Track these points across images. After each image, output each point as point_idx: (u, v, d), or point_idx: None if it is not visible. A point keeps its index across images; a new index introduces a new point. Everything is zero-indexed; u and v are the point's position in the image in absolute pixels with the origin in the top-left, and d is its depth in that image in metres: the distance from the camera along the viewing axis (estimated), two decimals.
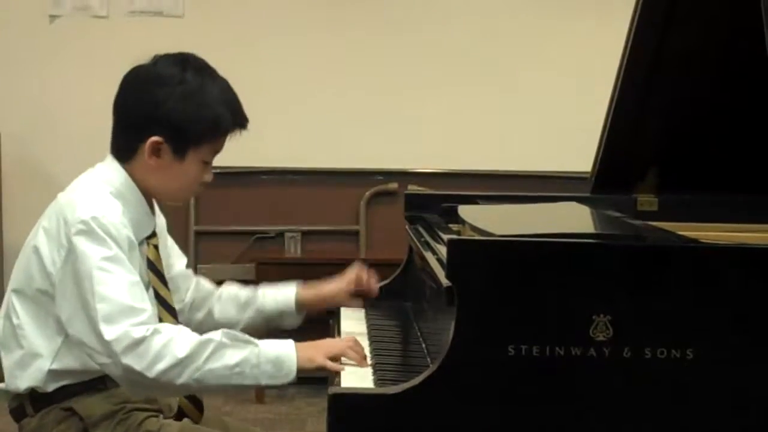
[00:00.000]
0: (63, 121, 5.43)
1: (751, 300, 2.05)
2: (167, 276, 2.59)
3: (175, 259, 2.72)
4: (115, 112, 2.49)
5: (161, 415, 2.51)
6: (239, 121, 2.49)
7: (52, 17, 5.60)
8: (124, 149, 2.46)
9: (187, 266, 2.80)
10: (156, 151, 2.43)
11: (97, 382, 2.45)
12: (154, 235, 2.53)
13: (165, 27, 5.41)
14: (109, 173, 2.46)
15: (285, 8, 5.70)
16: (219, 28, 5.62)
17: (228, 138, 2.50)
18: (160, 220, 2.64)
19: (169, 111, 2.41)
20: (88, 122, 4.74)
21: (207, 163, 2.48)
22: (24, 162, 5.57)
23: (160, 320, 2.45)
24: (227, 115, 2.45)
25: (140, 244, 2.47)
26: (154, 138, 2.41)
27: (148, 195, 2.50)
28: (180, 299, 2.68)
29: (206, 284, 2.79)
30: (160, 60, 2.48)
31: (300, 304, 2.83)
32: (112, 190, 2.42)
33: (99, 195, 2.40)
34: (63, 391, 2.44)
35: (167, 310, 2.51)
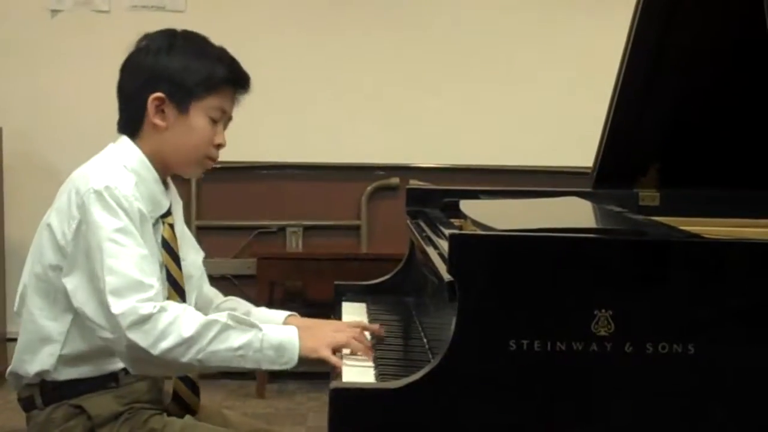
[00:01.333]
0: (65, 116, 5.43)
1: (753, 295, 2.05)
2: (182, 262, 2.58)
3: (190, 249, 2.68)
4: (118, 94, 2.52)
5: (165, 413, 2.51)
6: (237, 76, 2.52)
7: (54, 12, 5.61)
8: (131, 121, 2.49)
9: None
10: (160, 109, 2.45)
11: (109, 380, 2.45)
12: (169, 214, 2.52)
13: (167, 22, 5.32)
14: (123, 150, 2.47)
15: (287, 3, 5.71)
16: (221, 22, 5.60)
17: (234, 100, 2.53)
18: (178, 203, 2.63)
19: (165, 66, 2.44)
20: (90, 117, 4.75)
21: (215, 122, 2.50)
22: (26, 156, 5.57)
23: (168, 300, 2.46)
24: (223, 68, 2.48)
25: (155, 223, 2.47)
26: (155, 94, 2.44)
27: (163, 172, 2.50)
28: (192, 288, 2.65)
29: (208, 292, 2.76)
30: (147, 36, 2.52)
31: None
32: (125, 164, 2.44)
33: (112, 167, 2.41)
34: (74, 386, 2.44)
35: (177, 291, 2.50)
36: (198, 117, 2.47)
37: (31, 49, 5.56)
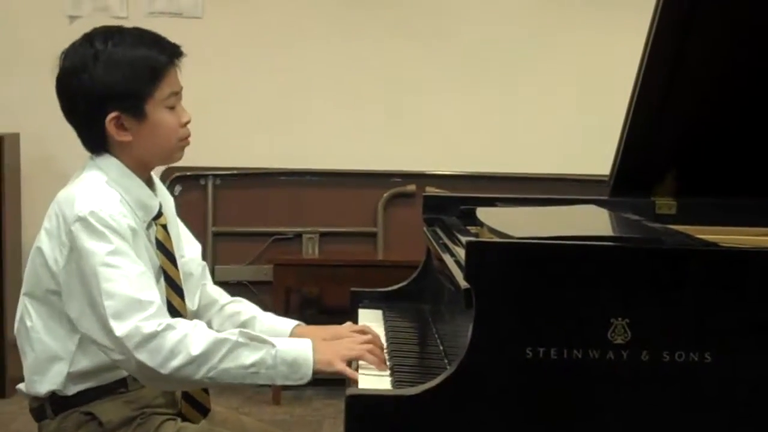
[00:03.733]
0: None
1: None
2: (180, 260, 2.57)
3: (187, 245, 2.68)
4: (68, 120, 2.50)
5: (179, 419, 2.51)
6: (169, 53, 2.45)
7: (72, 18, 5.62)
8: (96, 145, 2.46)
9: (203, 258, 2.77)
10: (120, 126, 2.41)
11: (119, 386, 2.45)
12: (160, 214, 2.51)
13: (184, 28, 5.40)
14: (101, 163, 2.45)
15: (303, 10, 5.71)
16: (238, 29, 5.62)
17: (177, 73, 2.47)
18: (168, 200, 2.62)
19: (104, 86, 2.39)
20: None
21: (173, 107, 2.45)
22: (43, 162, 5.59)
23: (169, 303, 2.46)
24: (153, 54, 2.42)
25: (148, 226, 2.46)
26: (110, 116, 2.40)
27: (145, 171, 2.49)
28: (193, 287, 2.65)
29: (212, 292, 2.74)
30: (67, 53, 2.48)
31: None
32: (107, 179, 2.42)
33: (95, 187, 2.39)
34: (84, 395, 2.44)
35: (176, 292, 2.50)
36: (157, 114, 2.43)
37: (49, 54, 5.56)
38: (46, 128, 5.54)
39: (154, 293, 2.31)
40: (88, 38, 2.45)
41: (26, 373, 2.47)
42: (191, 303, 2.62)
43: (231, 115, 5.50)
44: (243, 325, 2.64)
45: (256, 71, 5.50)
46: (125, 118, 2.41)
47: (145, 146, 2.44)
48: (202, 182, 5.65)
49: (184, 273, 2.59)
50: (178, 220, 2.68)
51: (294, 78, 5.66)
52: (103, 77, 2.39)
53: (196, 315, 2.66)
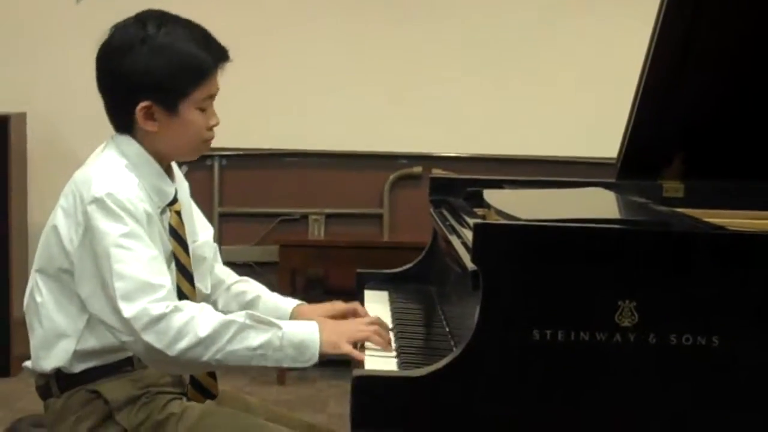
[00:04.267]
0: (89, 102, 5.36)
1: None
2: (193, 245, 2.58)
3: (200, 229, 2.67)
4: (101, 94, 2.46)
5: (185, 398, 2.51)
6: (217, 56, 2.42)
7: None
8: (121, 124, 2.44)
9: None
10: (149, 115, 2.39)
11: (124, 364, 2.45)
12: (175, 201, 2.51)
13: (193, 7, 5.37)
14: (122, 145, 2.44)
15: None
16: (246, 9, 5.62)
17: (218, 76, 2.44)
18: (183, 186, 2.61)
19: (145, 73, 2.36)
20: None
21: (204, 109, 2.43)
22: (50, 142, 5.59)
23: (179, 288, 2.46)
24: (202, 56, 2.40)
25: (162, 211, 2.46)
26: (142, 104, 2.38)
27: (163, 161, 2.48)
28: (206, 271, 2.65)
29: (219, 273, 2.73)
30: (117, 29, 2.44)
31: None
32: (126, 162, 2.41)
33: (113, 169, 2.39)
34: (89, 373, 2.44)
35: (186, 277, 2.50)
36: (189, 113, 2.41)
37: (56, 34, 5.57)
38: (52, 108, 5.58)
39: (165, 278, 2.31)
40: (141, 19, 2.42)
41: (33, 349, 2.47)
42: (204, 286, 2.63)
43: (237, 97, 5.47)
44: (248, 304, 2.66)
45: (262, 53, 5.49)
46: (156, 109, 2.39)
47: (168, 140, 2.44)
48: (209, 163, 5.65)
49: (197, 257, 2.59)
50: (193, 204, 2.68)
51: (300, 60, 5.65)
52: (145, 64, 2.37)
53: (207, 297, 2.67)
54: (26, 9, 5.61)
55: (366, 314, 2.59)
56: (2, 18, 5.59)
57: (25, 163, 5.54)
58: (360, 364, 2.25)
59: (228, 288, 2.72)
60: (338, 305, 2.64)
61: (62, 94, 5.53)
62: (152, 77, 2.37)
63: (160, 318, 2.24)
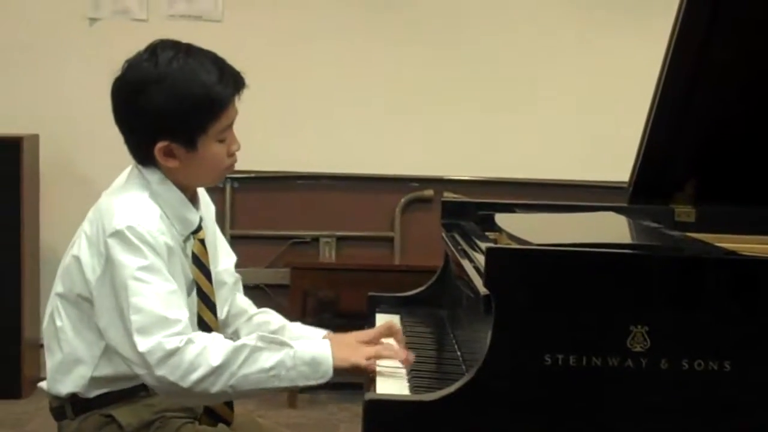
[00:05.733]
0: (102, 125, 5.37)
1: None
2: (214, 269, 2.57)
3: (222, 256, 2.68)
4: (117, 127, 2.45)
5: (197, 422, 2.51)
6: (233, 86, 2.40)
7: (92, 20, 5.64)
8: (142, 158, 2.43)
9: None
10: (169, 153, 2.38)
11: (139, 390, 2.45)
12: (200, 229, 2.50)
13: (204, 31, 5.42)
14: (145, 173, 2.43)
15: (322, 14, 5.71)
16: (257, 33, 5.64)
17: (237, 103, 2.42)
18: (209, 210, 2.61)
19: (160, 113, 2.34)
20: None
21: (223, 140, 2.41)
22: (63, 165, 5.60)
23: (200, 317, 2.46)
24: (217, 88, 2.37)
25: (186, 239, 2.46)
26: (160, 144, 2.37)
27: (186, 190, 2.47)
28: (225, 297, 2.65)
29: (241, 303, 2.73)
30: (130, 64, 2.41)
31: None
32: (149, 193, 2.41)
33: (136, 200, 2.38)
34: (104, 397, 2.45)
35: (208, 306, 2.50)
36: (208, 146, 2.40)
37: (69, 56, 5.60)
38: (65, 130, 5.60)
39: (182, 312, 2.31)
40: (153, 52, 2.39)
41: (49, 371, 2.48)
42: (219, 313, 2.63)
43: (249, 119, 5.47)
44: (274, 333, 2.61)
45: (274, 75, 5.50)
46: (175, 146, 2.38)
47: (190, 174, 2.43)
48: (220, 185, 5.65)
49: (217, 282, 2.59)
50: (217, 230, 2.68)
51: (313, 82, 5.67)
52: (161, 105, 2.35)
53: (223, 324, 2.66)
54: (40, 31, 5.63)
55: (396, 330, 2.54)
56: (16, 40, 5.62)
57: (38, 185, 5.55)
58: (372, 377, 2.24)
59: (250, 318, 2.70)
60: (370, 334, 2.56)
61: (75, 116, 5.55)
62: (169, 120, 2.35)
63: (174, 352, 2.24)
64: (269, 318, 2.70)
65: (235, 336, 2.67)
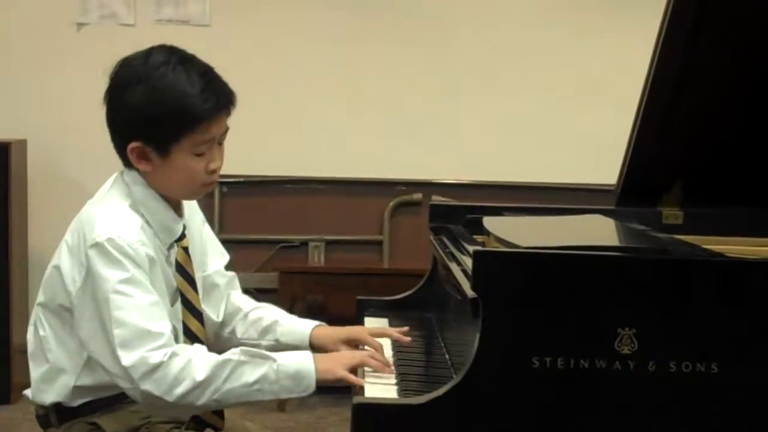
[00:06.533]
0: (89, 129, 5.37)
1: None
2: (203, 274, 2.57)
3: (213, 257, 2.68)
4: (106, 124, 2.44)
5: (183, 426, 2.51)
6: (214, 103, 2.35)
7: (80, 25, 5.63)
8: (123, 160, 2.42)
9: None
10: (142, 155, 2.36)
11: (123, 397, 2.43)
12: (183, 237, 2.49)
13: (191, 36, 5.42)
14: (128, 182, 2.42)
15: (310, 19, 5.71)
16: (245, 37, 5.64)
17: (224, 119, 2.39)
18: (195, 218, 2.61)
19: (136, 114, 2.33)
20: None
21: (201, 154, 2.37)
22: (50, 169, 5.59)
23: (186, 325, 2.46)
24: (197, 102, 2.32)
25: (170, 247, 2.46)
26: (134, 144, 2.35)
27: (170, 198, 2.46)
28: (219, 299, 2.66)
29: (236, 301, 2.73)
30: (123, 62, 2.40)
31: (314, 343, 2.66)
32: (130, 202, 2.40)
33: (117, 211, 2.37)
34: (88, 405, 2.44)
35: (193, 314, 2.49)
36: (181, 157, 2.36)
37: (57, 61, 5.59)
38: (53, 135, 5.58)
39: (165, 324, 2.30)
40: (147, 55, 2.38)
41: (33, 380, 2.47)
42: (215, 314, 2.64)
43: (237, 123, 5.48)
44: (266, 329, 2.67)
45: (262, 79, 5.50)
46: (148, 150, 2.36)
47: (162, 181, 2.40)
48: None
49: (209, 285, 2.59)
50: (209, 233, 2.68)
51: (300, 86, 5.66)
52: (137, 104, 2.33)
53: (222, 324, 2.68)
54: (27, 36, 5.62)
55: (373, 344, 2.56)
56: (2, 45, 5.61)
57: (26, 191, 5.54)
58: (359, 388, 2.25)
59: (245, 315, 2.71)
60: (359, 330, 2.66)
61: (63, 121, 5.54)
62: (142, 118, 2.33)
63: (158, 366, 2.24)
64: (263, 314, 2.71)
65: (232, 335, 2.70)
